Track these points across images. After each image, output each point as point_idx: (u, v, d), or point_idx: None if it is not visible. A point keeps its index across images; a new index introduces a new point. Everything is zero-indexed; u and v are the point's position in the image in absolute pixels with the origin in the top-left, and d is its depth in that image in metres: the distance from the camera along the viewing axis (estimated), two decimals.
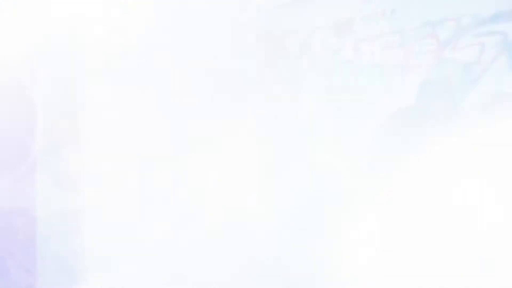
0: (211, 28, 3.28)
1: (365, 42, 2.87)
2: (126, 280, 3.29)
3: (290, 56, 3.15)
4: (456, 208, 2.47)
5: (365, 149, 2.83)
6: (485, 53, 2.46)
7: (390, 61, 2.78)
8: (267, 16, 3.21)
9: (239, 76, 3.26)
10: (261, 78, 3.23)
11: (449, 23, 2.58)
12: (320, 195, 2.93)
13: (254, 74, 3.24)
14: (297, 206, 3.02)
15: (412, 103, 2.69)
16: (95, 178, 3.57)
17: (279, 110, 3.18)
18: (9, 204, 3.48)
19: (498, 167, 2.36)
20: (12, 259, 3.48)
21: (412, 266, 2.56)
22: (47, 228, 3.52)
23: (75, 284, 3.44)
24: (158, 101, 3.45)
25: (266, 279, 3.02)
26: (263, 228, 3.10)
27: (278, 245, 3.06)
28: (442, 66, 2.61)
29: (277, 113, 3.18)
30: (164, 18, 3.38)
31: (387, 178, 2.69)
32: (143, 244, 3.34)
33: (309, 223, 2.95)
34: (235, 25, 3.26)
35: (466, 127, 2.48)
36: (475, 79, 2.48)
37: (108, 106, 3.58)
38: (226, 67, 3.28)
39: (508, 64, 2.39)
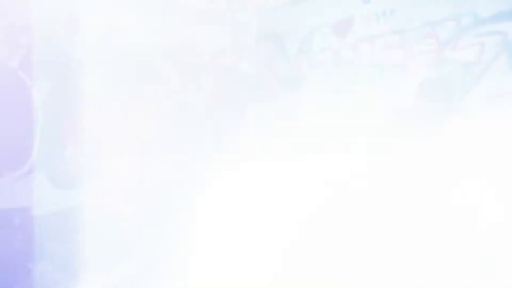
0: (211, 28, 3.29)
1: (365, 42, 2.87)
2: (126, 280, 3.28)
3: (290, 56, 3.16)
4: (456, 207, 2.47)
5: (364, 148, 2.83)
6: (485, 53, 2.47)
7: (390, 61, 2.79)
8: (267, 16, 3.21)
9: (239, 76, 3.26)
10: (261, 78, 3.23)
11: (449, 23, 2.58)
12: (320, 194, 2.93)
13: (254, 74, 3.25)
14: (296, 206, 3.03)
15: (412, 103, 2.69)
16: (94, 177, 3.57)
17: (279, 110, 3.18)
18: (9, 204, 3.48)
19: (498, 166, 2.36)
20: (12, 258, 3.48)
21: (412, 266, 2.55)
22: (46, 228, 3.52)
23: (74, 283, 3.44)
24: (157, 101, 3.45)
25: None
26: (262, 227, 3.10)
27: (278, 245, 3.06)
28: (442, 66, 2.61)
29: (277, 113, 3.19)
30: (164, 18, 3.38)
31: (387, 177, 2.69)
32: (142, 243, 3.33)
33: (309, 223, 2.95)
34: (235, 25, 3.27)
35: (466, 126, 2.48)
36: (475, 79, 2.49)
37: (108, 106, 3.58)
38: (226, 67, 3.29)
39: (508, 64, 2.40)
